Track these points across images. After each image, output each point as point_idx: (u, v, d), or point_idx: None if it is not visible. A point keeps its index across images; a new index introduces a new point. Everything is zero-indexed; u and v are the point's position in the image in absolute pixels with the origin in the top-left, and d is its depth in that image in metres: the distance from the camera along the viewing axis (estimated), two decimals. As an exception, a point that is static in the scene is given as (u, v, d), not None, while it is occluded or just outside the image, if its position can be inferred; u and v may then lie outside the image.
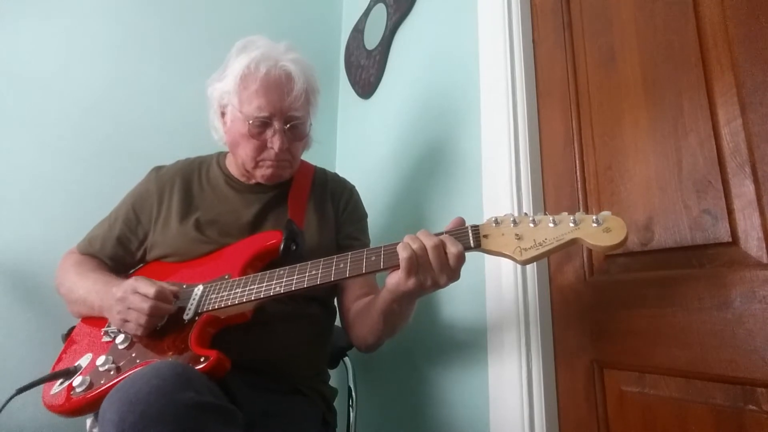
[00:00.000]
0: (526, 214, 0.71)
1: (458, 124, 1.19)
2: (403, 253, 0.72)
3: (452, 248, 0.71)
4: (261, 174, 1.01)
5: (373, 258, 0.76)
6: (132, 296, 0.82)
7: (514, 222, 0.70)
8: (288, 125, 0.97)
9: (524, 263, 0.68)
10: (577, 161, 0.92)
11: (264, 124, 0.96)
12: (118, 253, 1.04)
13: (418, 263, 0.72)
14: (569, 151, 0.94)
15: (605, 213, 0.65)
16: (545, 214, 0.69)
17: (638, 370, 0.76)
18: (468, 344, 1.05)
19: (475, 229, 0.73)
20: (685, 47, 0.76)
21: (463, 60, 1.21)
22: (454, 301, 1.11)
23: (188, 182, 1.07)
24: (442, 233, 0.74)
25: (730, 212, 0.68)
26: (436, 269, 0.72)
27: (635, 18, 0.85)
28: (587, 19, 0.95)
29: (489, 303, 0.99)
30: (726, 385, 0.65)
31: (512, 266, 0.94)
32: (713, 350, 0.66)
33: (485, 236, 0.72)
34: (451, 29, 1.29)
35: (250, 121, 0.96)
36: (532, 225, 0.69)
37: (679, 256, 0.74)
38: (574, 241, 0.66)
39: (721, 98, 0.71)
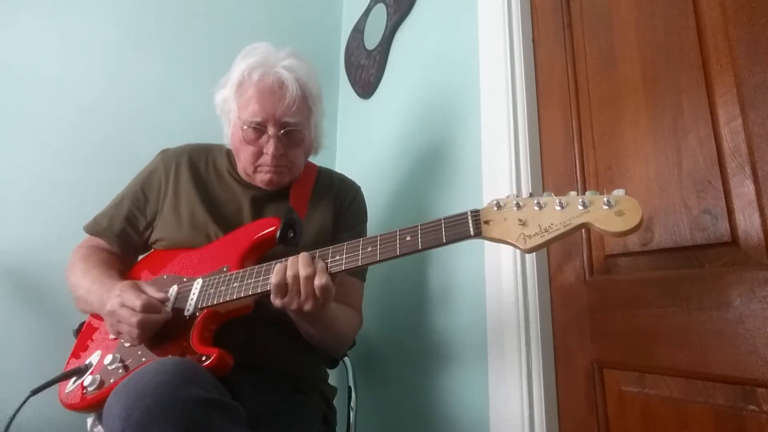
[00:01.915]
0: (531, 194, 0.66)
1: (458, 124, 1.19)
2: (273, 279, 0.77)
3: (317, 281, 0.75)
4: (260, 179, 1.01)
5: (369, 249, 0.76)
6: (120, 310, 0.81)
7: (518, 205, 0.65)
8: (282, 131, 0.97)
9: (528, 252, 0.63)
10: (577, 161, 0.92)
11: (258, 129, 0.97)
12: (126, 231, 1.04)
13: (286, 289, 0.78)
14: (569, 151, 0.94)
15: (618, 193, 0.59)
16: (550, 194, 0.64)
17: (638, 370, 0.76)
18: (468, 344, 1.05)
19: (476, 214, 0.68)
20: (685, 47, 0.76)
21: (463, 60, 1.21)
22: (454, 301, 1.11)
23: (196, 163, 1.08)
24: (431, 222, 0.72)
25: (730, 212, 0.68)
26: (303, 297, 0.77)
27: (635, 18, 0.85)
28: (587, 19, 0.95)
29: (489, 303, 0.99)
30: (726, 385, 0.65)
31: (512, 265, 0.94)
32: (713, 350, 0.66)
33: (486, 222, 0.67)
34: (451, 29, 1.29)
35: (244, 127, 0.97)
36: (537, 208, 0.64)
37: (679, 256, 0.74)
38: (582, 226, 0.60)
39: (721, 98, 0.71)
